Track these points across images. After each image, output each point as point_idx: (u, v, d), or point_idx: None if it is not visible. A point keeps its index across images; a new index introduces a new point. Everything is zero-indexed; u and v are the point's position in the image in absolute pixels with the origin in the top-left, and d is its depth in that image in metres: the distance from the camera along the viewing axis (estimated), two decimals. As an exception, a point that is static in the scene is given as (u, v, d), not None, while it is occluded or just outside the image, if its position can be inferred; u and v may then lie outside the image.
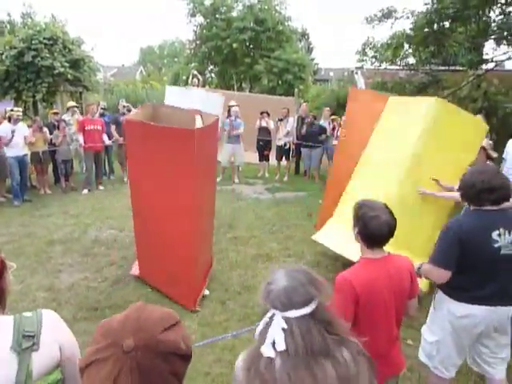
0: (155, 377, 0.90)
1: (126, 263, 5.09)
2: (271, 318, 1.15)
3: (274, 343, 1.12)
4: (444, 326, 2.42)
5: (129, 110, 9.71)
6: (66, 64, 13.16)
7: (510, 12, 9.67)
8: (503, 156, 5.67)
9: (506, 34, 9.67)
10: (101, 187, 8.88)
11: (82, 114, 10.43)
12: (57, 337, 1.24)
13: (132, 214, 4.49)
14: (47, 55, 12.90)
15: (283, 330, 1.12)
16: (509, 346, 2.46)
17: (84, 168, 8.82)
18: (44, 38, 13.05)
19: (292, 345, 1.10)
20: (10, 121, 7.63)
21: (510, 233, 2.24)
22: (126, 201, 7.96)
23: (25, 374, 1.12)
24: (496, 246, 2.22)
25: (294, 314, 1.13)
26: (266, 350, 1.13)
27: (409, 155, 4.19)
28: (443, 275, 2.32)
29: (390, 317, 1.92)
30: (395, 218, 1.89)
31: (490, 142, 5.45)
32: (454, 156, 4.11)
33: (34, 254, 5.34)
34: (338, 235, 4.14)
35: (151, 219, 4.13)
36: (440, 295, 2.46)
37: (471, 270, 2.28)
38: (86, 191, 8.57)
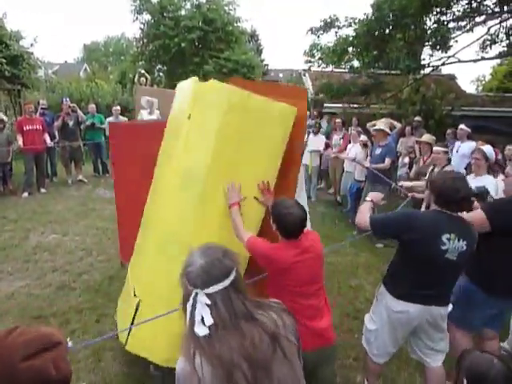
0: None
1: (70, 268, 4.89)
2: (195, 298, 1.24)
3: (202, 320, 1.22)
4: (382, 317, 2.59)
5: (74, 111, 9.30)
6: (3, 60, 12.36)
7: (443, 21, 10.36)
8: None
9: (439, 40, 10.35)
10: (43, 190, 8.44)
11: (20, 113, 9.86)
12: None
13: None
14: (-19, 50, 12.04)
15: (208, 305, 1.22)
16: (444, 340, 2.62)
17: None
18: (-23, 32, 12.17)
19: (218, 318, 1.22)
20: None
21: (459, 240, 2.30)
22: (70, 204, 7.74)
23: None
24: (443, 248, 2.29)
25: (215, 288, 1.23)
26: (199, 330, 1.22)
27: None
28: (365, 221, 2.51)
29: (317, 283, 2.23)
30: (305, 211, 2.21)
31: (434, 137, 5.82)
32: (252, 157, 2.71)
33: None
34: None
35: None
36: (381, 289, 2.63)
37: (413, 266, 2.40)
38: (26, 194, 8.11)
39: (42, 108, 9.30)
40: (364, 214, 2.59)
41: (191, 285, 1.25)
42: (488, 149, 4.19)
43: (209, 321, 1.22)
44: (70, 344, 1.76)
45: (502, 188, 3.48)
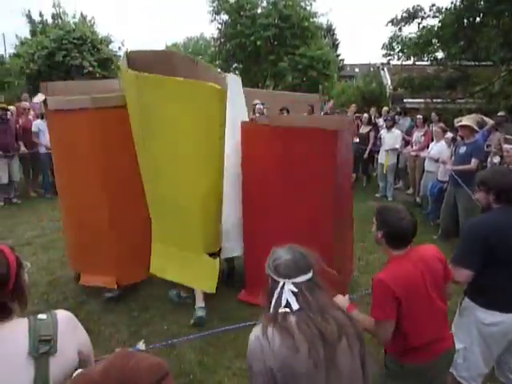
0: None
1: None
2: (282, 287, 1.38)
3: (287, 305, 1.35)
4: (471, 334, 2.32)
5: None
6: (95, 63, 13.50)
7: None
8: None
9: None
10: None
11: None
12: (74, 339, 1.19)
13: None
14: (77, 55, 13.27)
15: (294, 293, 1.36)
16: None
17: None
18: (74, 38, 13.43)
19: (304, 303, 1.35)
20: (42, 118, 7.87)
21: None
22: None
23: (42, 380, 1.07)
24: None
25: (301, 279, 1.39)
26: (282, 309, 1.35)
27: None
28: (464, 275, 2.24)
29: (433, 301, 1.95)
30: (415, 217, 1.99)
31: None
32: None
33: (64, 247, 5.50)
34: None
35: None
36: (466, 302, 2.38)
37: (501, 270, 2.20)
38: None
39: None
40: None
41: (279, 276, 1.40)
42: None
43: (295, 306, 1.35)
44: (143, 347, 1.86)
45: None
